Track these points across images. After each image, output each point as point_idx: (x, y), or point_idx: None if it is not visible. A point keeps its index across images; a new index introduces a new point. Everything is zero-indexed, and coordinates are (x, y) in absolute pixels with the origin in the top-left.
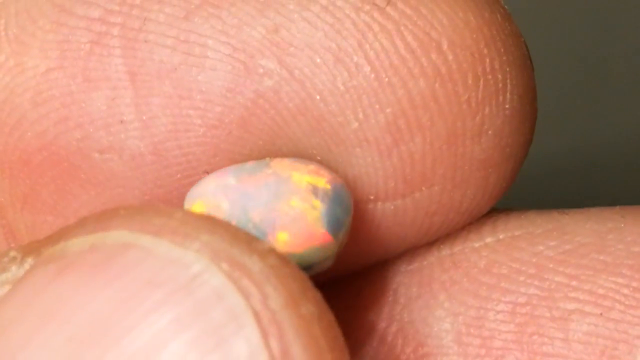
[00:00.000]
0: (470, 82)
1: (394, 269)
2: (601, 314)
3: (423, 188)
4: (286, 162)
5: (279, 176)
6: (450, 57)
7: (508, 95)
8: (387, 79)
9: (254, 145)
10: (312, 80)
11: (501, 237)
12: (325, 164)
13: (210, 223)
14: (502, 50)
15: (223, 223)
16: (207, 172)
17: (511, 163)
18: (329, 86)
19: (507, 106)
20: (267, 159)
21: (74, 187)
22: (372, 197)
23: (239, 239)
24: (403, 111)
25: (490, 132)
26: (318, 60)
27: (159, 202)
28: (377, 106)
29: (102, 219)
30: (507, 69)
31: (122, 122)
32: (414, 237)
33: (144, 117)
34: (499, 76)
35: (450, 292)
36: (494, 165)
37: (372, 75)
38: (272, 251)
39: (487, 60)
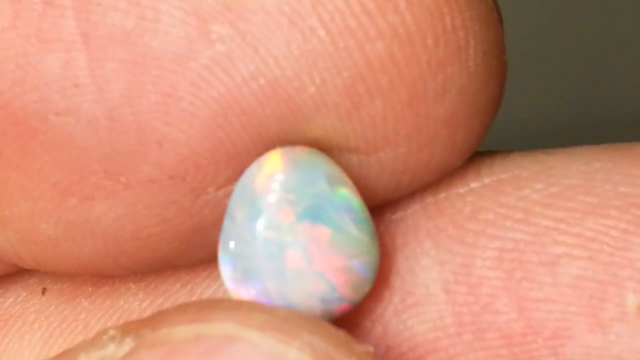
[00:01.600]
0: (429, 42)
1: (377, 218)
2: (590, 257)
3: (387, 149)
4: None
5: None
6: (408, 18)
7: (471, 52)
8: (342, 43)
9: (204, 115)
10: (266, 45)
11: (486, 181)
12: (283, 134)
13: (312, 322)
14: (463, 6)
15: (324, 323)
16: (159, 143)
17: (479, 119)
18: (283, 50)
19: (470, 64)
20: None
21: (35, 148)
22: (334, 148)
23: (339, 340)
24: (361, 75)
25: (453, 91)
26: (271, 24)
27: (117, 167)
28: (333, 70)
29: (204, 308)
30: (469, 26)
31: (77, 85)
32: (383, 192)
33: (99, 82)
34: (461, 34)
35: (436, 240)
36: (461, 124)
37: (327, 39)
38: (369, 354)
39: (448, 18)
